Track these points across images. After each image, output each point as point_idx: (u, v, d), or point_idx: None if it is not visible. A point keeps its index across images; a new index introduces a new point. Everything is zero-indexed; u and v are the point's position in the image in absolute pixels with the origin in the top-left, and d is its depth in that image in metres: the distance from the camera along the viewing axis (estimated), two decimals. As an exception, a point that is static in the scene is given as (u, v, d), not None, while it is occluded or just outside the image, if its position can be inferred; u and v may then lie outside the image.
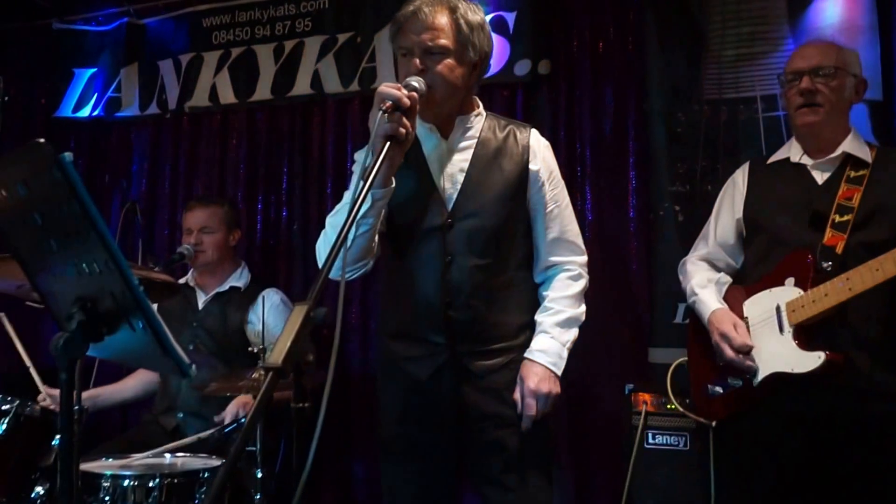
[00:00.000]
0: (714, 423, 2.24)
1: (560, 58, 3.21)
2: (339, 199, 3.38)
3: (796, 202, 2.15)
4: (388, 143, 1.59)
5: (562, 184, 2.04)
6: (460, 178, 1.91)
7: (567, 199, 2.05)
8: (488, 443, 1.91)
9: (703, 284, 2.29)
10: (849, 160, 2.13)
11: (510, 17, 3.24)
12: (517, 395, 1.89)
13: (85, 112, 3.95)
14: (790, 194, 2.17)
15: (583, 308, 2.02)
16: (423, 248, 1.91)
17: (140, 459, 2.40)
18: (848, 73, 2.15)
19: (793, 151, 2.23)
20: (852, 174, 2.10)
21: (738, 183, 2.34)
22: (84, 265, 1.35)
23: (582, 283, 2.03)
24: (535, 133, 2.01)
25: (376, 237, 1.87)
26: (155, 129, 3.86)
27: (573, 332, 1.98)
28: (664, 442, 2.63)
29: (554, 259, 2.01)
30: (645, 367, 2.98)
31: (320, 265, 1.86)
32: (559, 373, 1.92)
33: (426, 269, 1.91)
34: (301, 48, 3.58)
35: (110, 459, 2.38)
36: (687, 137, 2.99)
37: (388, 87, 1.65)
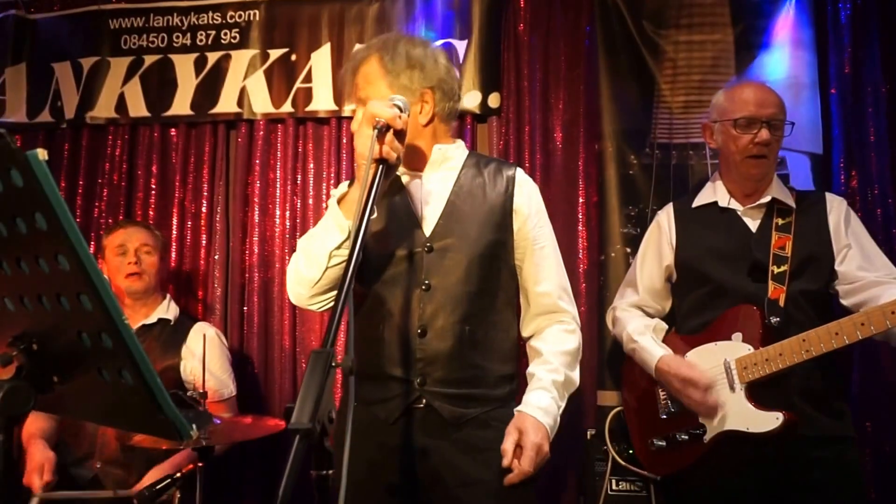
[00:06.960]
0: (659, 478, 2.20)
1: (511, 92, 3.13)
2: (266, 227, 3.18)
3: (732, 251, 2.16)
4: (381, 168, 1.49)
5: (549, 226, 1.91)
6: (441, 204, 1.81)
7: (555, 244, 1.91)
8: None
9: (641, 331, 2.25)
10: (774, 206, 2.18)
11: (461, 46, 3.13)
12: (506, 445, 1.68)
13: (-44, 113, 3.39)
14: (725, 242, 2.18)
15: (577, 373, 1.85)
16: (398, 275, 1.75)
17: None
18: (786, 123, 2.19)
19: (719, 195, 2.25)
20: (780, 222, 2.15)
21: (663, 227, 2.32)
22: (38, 297, 1.07)
23: (577, 340, 1.87)
24: (521, 171, 1.92)
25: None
26: (46, 140, 3.37)
27: (565, 398, 1.81)
28: (627, 489, 2.57)
29: (547, 306, 1.86)
30: (594, 411, 2.91)
31: (290, 293, 1.74)
32: (551, 438, 1.75)
33: (400, 296, 1.74)
34: (226, 62, 3.28)
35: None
36: (638, 180, 3.00)
37: (380, 105, 1.56)
